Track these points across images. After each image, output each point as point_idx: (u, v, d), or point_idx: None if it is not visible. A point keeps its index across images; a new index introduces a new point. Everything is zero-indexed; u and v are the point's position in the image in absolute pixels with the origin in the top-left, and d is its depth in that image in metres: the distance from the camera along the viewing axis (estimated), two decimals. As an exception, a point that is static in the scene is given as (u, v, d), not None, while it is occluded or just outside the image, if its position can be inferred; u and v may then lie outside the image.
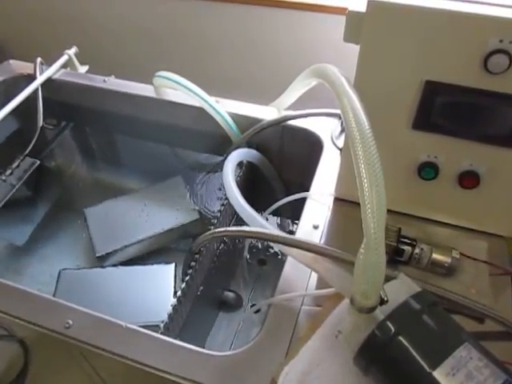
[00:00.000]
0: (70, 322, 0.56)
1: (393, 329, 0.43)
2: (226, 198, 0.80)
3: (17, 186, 0.86)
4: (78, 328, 0.56)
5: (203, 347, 0.55)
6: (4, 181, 0.84)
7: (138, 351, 0.55)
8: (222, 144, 0.92)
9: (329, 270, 0.55)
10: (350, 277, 0.54)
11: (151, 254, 0.96)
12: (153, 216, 0.96)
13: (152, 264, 0.90)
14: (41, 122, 0.93)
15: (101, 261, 0.92)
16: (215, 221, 0.76)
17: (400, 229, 0.62)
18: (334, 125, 0.83)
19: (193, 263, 0.70)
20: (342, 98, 0.45)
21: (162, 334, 0.62)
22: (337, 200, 0.72)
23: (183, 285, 0.68)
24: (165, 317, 0.79)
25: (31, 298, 0.61)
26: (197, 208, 0.97)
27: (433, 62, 0.52)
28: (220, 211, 0.77)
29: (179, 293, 0.67)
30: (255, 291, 0.96)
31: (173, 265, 0.88)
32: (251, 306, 0.94)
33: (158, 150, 0.99)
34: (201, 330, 0.85)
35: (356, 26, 0.54)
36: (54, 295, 0.81)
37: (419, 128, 0.58)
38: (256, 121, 0.85)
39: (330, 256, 0.55)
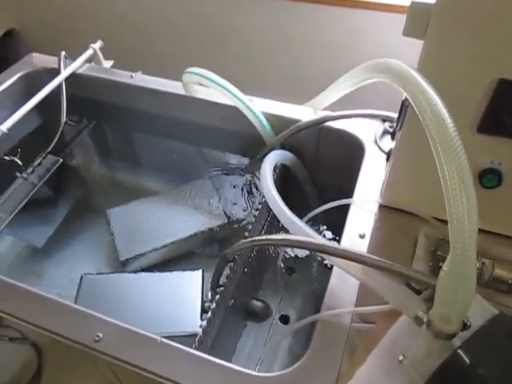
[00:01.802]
0: (100, 335, 0.52)
1: (471, 358, 0.38)
2: (261, 203, 0.75)
3: (38, 185, 0.82)
4: (109, 342, 0.52)
5: (230, 360, 0.51)
6: (25, 179, 0.80)
7: (173, 369, 0.50)
8: (252, 145, 0.87)
9: (383, 284, 0.50)
10: (409, 292, 0.49)
11: (175, 259, 0.92)
12: (178, 219, 0.92)
13: (177, 270, 0.85)
14: (64, 119, 0.89)
15: (123, 265, 0.87)
16: (248, 226, 0.72)
17: (458, 241, 0.57)
18: (376, 127, 0.78)
19: (227, 272, 0.65)
20: (417, 96, 0.40)
21: (196, 348, 0.57)
22: (382, 207, 0.67)
23: (217, 296, 0.63)
24: (195, 327, 0.75)
25: (56, 306, 0.56)
26: (224, 212, 0.92)
27: (510, 58, 0.47)
28: (255, 216, 0.73)
29: (213, 305, 0.63)
30: (284, 301, 0.91)
31: (200, 271, 0.83)
32: (280, 317, 0.89)
33: (185, 151, 0.95)
34: (229, 343, 0.80)
35: (420, 19, 0.50)
36: (75, 301, 0.77)
37: (485, 131, 0.53)
38: (290, 121, 0.80)
39: (387, 270, 0.49)
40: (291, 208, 0.79)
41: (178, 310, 0.79)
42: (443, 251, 0.56)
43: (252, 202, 0.92)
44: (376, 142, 0.73)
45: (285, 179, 0.84)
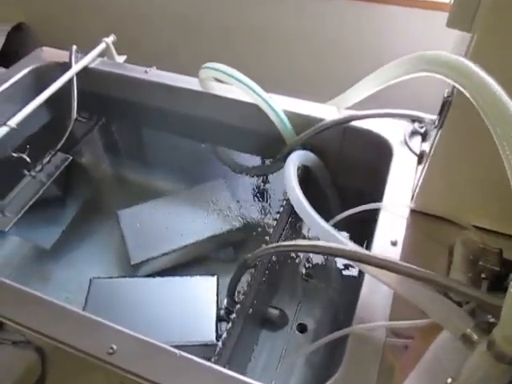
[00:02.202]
0: (114, 347, 0.48)
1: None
2: (282, 206, 0.71)
3: (47, 184, 0.78)
4: (124, 354, 0.48)
5: (245, 372, 0.47)
6: (33, 177, 0.76)
7: (193, 385, 0.46)
8: (270, 145, 0.83)
9: (425, 296, 0.46)
10: (453, 306, 0.45)
11: (188, 263, 0.87)
12: (192, 221, 0.88)
13: (191, 275, 0.81)
14: (75, 115, 0.85)
15: (134, 269, 0.83)
16: (265, 230, 0.68)
17: (501, 250, 0.52)
18: (404, 127, 0.74)
19: (248, 279, 0.61)
20: (483, 92, 0.35)
21: (215, 362, 0.53)
22: (414, 213, 0.62)
23: (237, 306, 0.59)
24: (210, 336, 0.71)
25: (65, 313, 0.52)
26: (240, 214, 0.88)
27: None
28: (276, 219, 0.68)
29: (233, 314, 0.58)
30: (301, 308, 0.87)
31: (215, 277, 0.79)
32: (298, 325, 0.84)
33: (199, 150, 0.91)
34: (245, 353, 0.76)
35: (469, 9, 0.45)
36: (84, 306, 0.73)
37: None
38: (313, 120, 0.76)
39: (429, 281, 0.45)
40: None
41: (192, 317, 0.75)
42: (486, 261, 0.52)
43: (270, 205, 0.88)
44: (406, 143, 0.69)
45: (305, 181, 0.80)
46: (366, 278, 0.54)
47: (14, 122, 0.74)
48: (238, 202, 0.90)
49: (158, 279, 0.80)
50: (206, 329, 0.73)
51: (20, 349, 0.61)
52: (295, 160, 0.67)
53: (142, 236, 0.85)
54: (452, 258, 0.57)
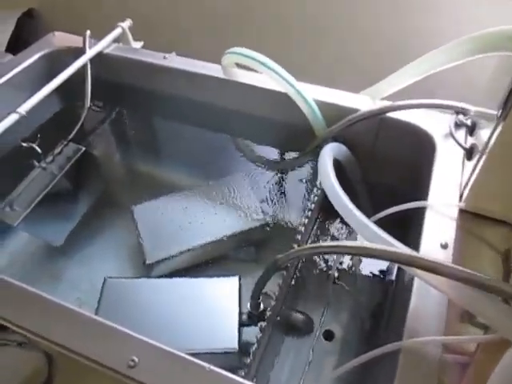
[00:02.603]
0: (136, 360, 0.42)
1: None
2: (313, 202, 0.65)
3: (58, 176, 0.73)
4: (147, 368, 0.42)
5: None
6: (44, 168, 0.71)
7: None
8: (297, 138, 0.78)
9: (491, 307, 0.40)
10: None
11: (206, 263, 0.82)
12: (211, 218, 0.82)
13: (210, 276, 0.75)
14: (88, 103, 0.79)
15: (149, 268, 0.78)
16: (288, 228, 0.62)
17: None
18: (447, 119, 0.67)
19: (279, 281, 0.56)
20: None
21: (245, 376, 0.47)
22: (464, 213, 0.56)
23: (268, 312, 0.53)
24: (233, 343, 0.66)
25: (79, 319, 0.47)
26: (262, 211, 0.83)
27: None
28: (308, 217, 0.63)
29: (263, 323, 0.53)
30: (327, 313, 0.81)
31: (237, 278, 0.73)
32: (324, 332, 0.79)
33: (220, 142, 0.85)
34: (269, 363, 0.70)
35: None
36: (97, 308, 0.67)
37: None
38: (346, 110, 0.71)
39: (496, 290, 0.39)
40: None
41: (212, 322, 0.69)
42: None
43: (295, 202, 0.82)
44: (452, 136, 0.63)
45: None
46: (416, 285, 0.48)
47: (23, 109, 0.69)
48: (259, 198, 0.84)
49: (175, 280, 0.75)
50: (227, 335, 0.67)
51: (26, 350, 0.58)
52: (330, 152, 0.62)
53: (158, 233, 0.80)
54: (509, 263, 0.51)
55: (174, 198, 0.85)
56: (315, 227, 0.70)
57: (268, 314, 0.54)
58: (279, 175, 0.83)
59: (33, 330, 0.46)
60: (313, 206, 0.64)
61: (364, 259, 0.85)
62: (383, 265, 0.83)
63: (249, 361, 0.50)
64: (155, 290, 0.73)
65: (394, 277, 0.75)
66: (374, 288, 0.81)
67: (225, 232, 0.80)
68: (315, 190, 0.66)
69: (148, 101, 0.85)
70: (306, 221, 0.62)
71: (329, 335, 0.78)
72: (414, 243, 0.54)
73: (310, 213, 0.63)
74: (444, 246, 0.52)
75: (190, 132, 0.88)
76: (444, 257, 0.51)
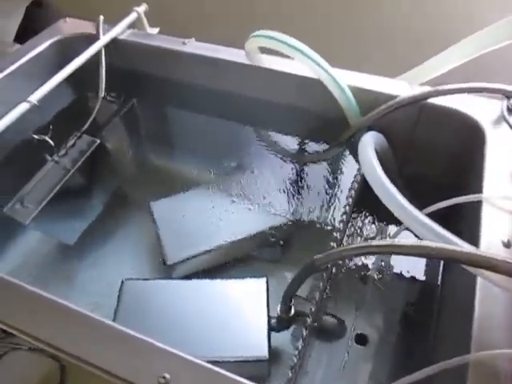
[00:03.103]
0: (167, 377, 0.37)
1: None
2: (351, 196, 0.60)
3: (72, 171, 0.67)
4: (179, 385, 0.37)
5: None
6: (56, 162, 0.66)
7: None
8: (327, 127, 0.72)
9: None
10: None
11: (227, 263, 0.76)
12: (233, 215, 0.77)
13: (234, 277, 0.70)
14: (103, 93, 0.74)
15: (169, 269, 0.73)
16: (318, 225, 0.56)
17: None
18: (497, 105, 0.61)
19: (319, 284, 0.50)
20: None
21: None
22: (524, 207, 0.50)
23: (308, 319, 0.48)
24: (262, 350, 0.61)
25: (102, 330, 0.42)
26: (290, 207, 0.77)
27: None
28: (345, 213, 0.57)
29: (305, 332, 0.47)
30: (359, 316, 0.75)
31: (264, 279, 0.68)
32: (357, 336, 0.73)
33: (242, 133, 0.80)
34: (302, 372, 0.64)
35: None
36: (115, 313, 0.62)
37: None
38: (382, 97, 0.65)
39: None
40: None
41: (239, 326, 0.64)
42: None
43: (324, 197, 0.77)
44: (507, 121, 0.57)
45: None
46: (480, 291, 0.42)
47: (35, 98, 0.64)
48: (285, 193, 0.78)
49: (197, 281, 0.69)
50: (256, 341, 0.62)
51: (37, 355, 0.53)
52: (371, 141, 0.56)
53: (179, 232, 0.74)
54: None
55: (193, 194, 0.80)
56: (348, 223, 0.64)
57: (308, 320, 0.48)
58: (307, 168, 0.78)
59: (46, 340, 0.40)
60: (350, 200, 0.58)
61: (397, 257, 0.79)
62: (417, 263, 0.77)
63: (290, 375, 0.44)
64: (177, 293, 0.67)
65: (439, 278, 0.69)
66: (410, 289, 0.76)
67: (248, 230, 0.75)
68: (352, 183, 0.60)
69: (165, 90, 0.80)
70: (344, 217, 0.56)
71: (362, 339, 0.73)
72: (469, 241, 0.48)
73: (347, 208, 0.57)
74: (507, 245, 0.46)
75: (209, 123, 0.82)
76: (508, 256, 0.45)
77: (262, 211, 0.78)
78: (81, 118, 0.74)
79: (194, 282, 0.70)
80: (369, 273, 0.76)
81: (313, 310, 0.50)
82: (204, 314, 0.65)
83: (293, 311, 0.62)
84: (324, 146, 0.74)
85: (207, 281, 0.69)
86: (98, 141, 0.72)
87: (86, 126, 0.71)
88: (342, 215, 0.58)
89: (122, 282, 0.66)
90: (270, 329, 0.63)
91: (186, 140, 0.87)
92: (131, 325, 0.60)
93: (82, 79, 0.74)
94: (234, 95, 0.74)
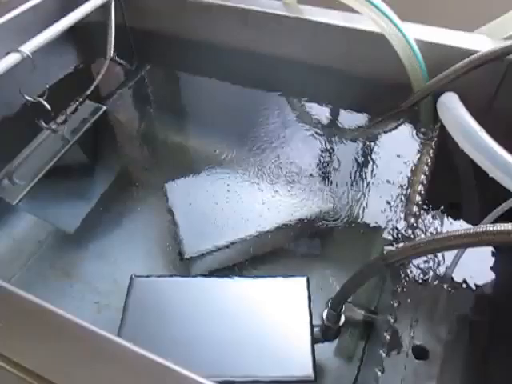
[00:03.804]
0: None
1: None
2: (425, 174, 0.47)
3: (72, 142, 0.55)
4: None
5: None
6: (54, 131, 0.54)
7: None
8: (380, 95, 0.60)
9: None
10: None
11: (256, 258, 0.64)
12: (262, 202, 0.65)
13: (266, 276, 0.57)
14: (111, 53, 0.62)
15: (187, 264, 0.62)
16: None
17: None
18: None
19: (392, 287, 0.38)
20: None
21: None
22: None
23: (386, 335, 0.35)
24: (306, 368, 0.48)
25: (105, 345, 0.29)
26: (330, 193, 0.65)
27: None
28: (417, 203, 0.44)
29: (382, 353, 0.35)
30: (418, 325, 0.62)
31: (304, 279, 0.56)
32: (414, 349, 0.60)
33: (273, 104, 0.67)
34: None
35: None
36: (122, 319, 0.50)
37: None
38: (457, 53, 0.52)
39: None
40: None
41: (276, 338, 0.52)
42: None
43: (377, 180, 0.63)
44: None
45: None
46: None
47: (28, 48, 0.52)
48: (327, 175, 0.66)
49: (222, 280, 0.57)
50: (298, 357, 0.50)
51: None
52: (454, 97, 0.43)
53: (199, 220, 0.63)
54: None
55: (215, 175, 0.68)
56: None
57: (386, 336, 0.35)
58: (353, 145, 0.65)
59: (30, 368, 0.28)
60: (420, 188, 0.45)
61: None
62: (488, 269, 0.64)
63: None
64: (196, 293, 0.55)
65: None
66: (478, 297, 0.63)
67: (280, 220, 0.63)
68: (423, 165, 0.48)
69: (184, 53, 0.69)
70: (419, 198, 0.43)
71: (421, 353, 0.60)
72: None
73: (416, 196, 0.44)
74: None
75: (235, 92, 0.70)
76: None
77: (297, 197, 0.65)
78: (86, 85, 0.62)
79: (217, 281, 0.57)
80: (429, 276, 0.62)
81: (391, 321, 0.37)
82: (230, 322, 0.53)
83: (343, 320, 0.50)
84: (377, 118, 0.61)
85: (233, 279, 0.57)
86: (104, 107, 0.60)
87: (90, 90, 0.60)
88: (411, 204, 0.44)
89: (131, 278, 0.54)
90: (314, 341, 0.51)
91: (205, 111, 0.74)
92: (141, 332, 0.49)
93: (89, 43, 0.63)
94: (265, 57, 0.62)
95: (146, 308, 0.52)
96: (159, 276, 0.57)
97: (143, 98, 0.72)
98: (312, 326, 0.52)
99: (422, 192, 0.44)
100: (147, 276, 0.56)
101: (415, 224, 0.43)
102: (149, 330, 0.50)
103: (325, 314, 0.51)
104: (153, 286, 0.55)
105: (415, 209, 0.43)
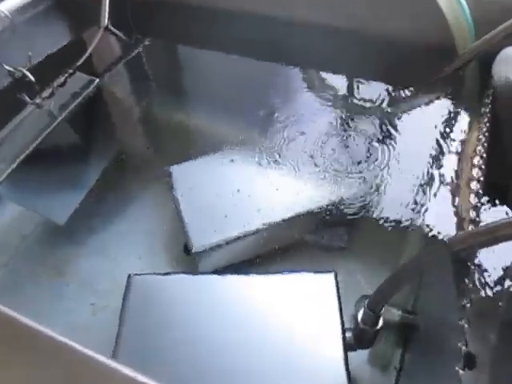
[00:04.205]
0: None
1: None
2: (480, 155, 0.39)
3: (60, 118, 0.48)
4: None
5: None
6: (39, 106, 0.46)
7: None
8: (413, 64, 0.52)
9: None
10: None
11: (273, 252, 0.57)
12: (279, 188, 0.58)
13: (285, 272, 0.49)
14: (105, 21, 0.55)
15: (195, 260, 0.55)
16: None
17: None
18: None
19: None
20: None
21: None
22: None
23: (461, 345, 0.29)
24: (341, 380, 0.41)
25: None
26: (356, 177, 0.57)
27: None
28: (477, 192, 0.36)
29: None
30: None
31: (332, 275, 0.48)
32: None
33: (287, 77, 0.60)
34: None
35: None
36: (120, 324, 0.43)
37: None
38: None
39: None
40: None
41: (301, 345, 0.45)
42: None
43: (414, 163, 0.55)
44: None
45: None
46: None
47: (4, 7, 0.44)
48: (352, 158, 0.58)
49: (233, 278, 0.50)
50: (328, 369, 0.42)
51: None
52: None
53: (207, 209, 0.56)
54: None
55: (224, 158, 0.62)
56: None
57: (462, 348, 0.28)
58: (385, 121, 0.57)
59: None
60: (478, 172, 0.37)
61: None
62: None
63: None
64: (204, 293, 0.49)
65: None
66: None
67: (299, 208, 0.57)
68: (474, 146, 0.39)
69: (186, 22, 0.60)
70: (474, 198, 0.35)
71: (469, 360, 0.52)
72: None
73: (476, 184, 0.36)
74: None
75: (243, 65, 0.62)
76: None
77: (319, 182, 0.59)
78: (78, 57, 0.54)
79: (229, 279, 0.50)
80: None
81: (465, 326, 0.29)
82: (247, 329, 0.46)
83: (381, 322, 0.42)
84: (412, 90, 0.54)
85: (247, 277, 0.50)
86: (97, 80, 0.52)
87: (81, 61, 0.52)
88: (476, 184, 0.36)
89: (129, 277, 0.47)
90: (347, 348, 0.43)
91: (210, 86, 0.67)
92: (140, 338, 0.42)
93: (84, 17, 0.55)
94: (277, 22, 0.54)
95: (146, 310, 0.45)
96: (162, 274, 0.49)
97: (143, 75, 0.65)
98: (344, 330, 0.45)
99: (480, 177, 0.36)
100: (147, 274, 0.48)
101: (476, 218, 0.35)
102: (149, 335, 0.42)
103: (360, 315, 0.43)
104: (154, 286, 0.48)
105: (472, 198, 0.35)
